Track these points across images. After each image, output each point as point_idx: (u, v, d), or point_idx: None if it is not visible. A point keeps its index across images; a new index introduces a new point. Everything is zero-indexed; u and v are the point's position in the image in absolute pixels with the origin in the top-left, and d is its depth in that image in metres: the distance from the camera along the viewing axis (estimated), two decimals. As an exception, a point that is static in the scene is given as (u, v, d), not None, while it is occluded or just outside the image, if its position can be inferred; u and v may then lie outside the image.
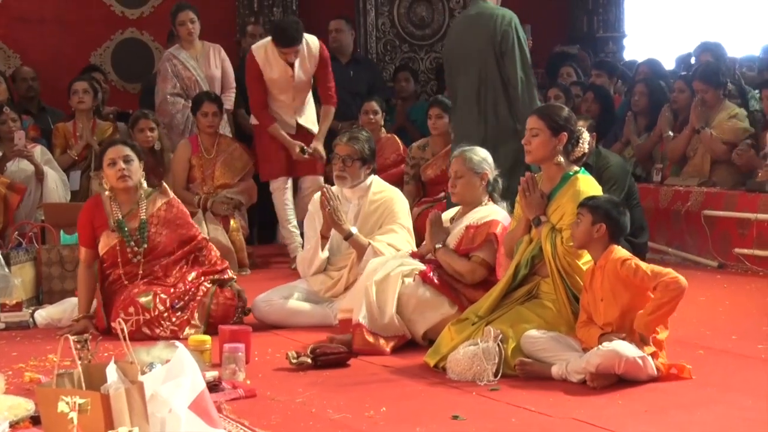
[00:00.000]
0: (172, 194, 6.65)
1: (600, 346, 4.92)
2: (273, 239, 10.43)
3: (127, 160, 6.39)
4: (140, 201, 6.49)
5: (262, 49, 8.60)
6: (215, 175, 8.70)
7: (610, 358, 4.87)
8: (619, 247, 5.19)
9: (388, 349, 5.76)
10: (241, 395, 4.87)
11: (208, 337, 5.57)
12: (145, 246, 6.44)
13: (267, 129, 8.75)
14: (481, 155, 6.17)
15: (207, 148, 8.75)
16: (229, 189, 8.73)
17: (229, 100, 9.63)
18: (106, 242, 6.44)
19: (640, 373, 4.94)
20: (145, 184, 6.52)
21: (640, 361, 4.91)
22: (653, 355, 4.98)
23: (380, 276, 5.91)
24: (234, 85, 9.73)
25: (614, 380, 4.91)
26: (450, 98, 8.44)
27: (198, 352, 5.23)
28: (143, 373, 3.82)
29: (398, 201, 6.74)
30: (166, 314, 6.30)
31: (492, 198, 6.15)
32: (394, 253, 6.34)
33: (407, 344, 5.88)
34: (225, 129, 9.28)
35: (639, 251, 7.67)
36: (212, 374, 4.95)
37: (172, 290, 6.38)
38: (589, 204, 5.20)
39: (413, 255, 6.22)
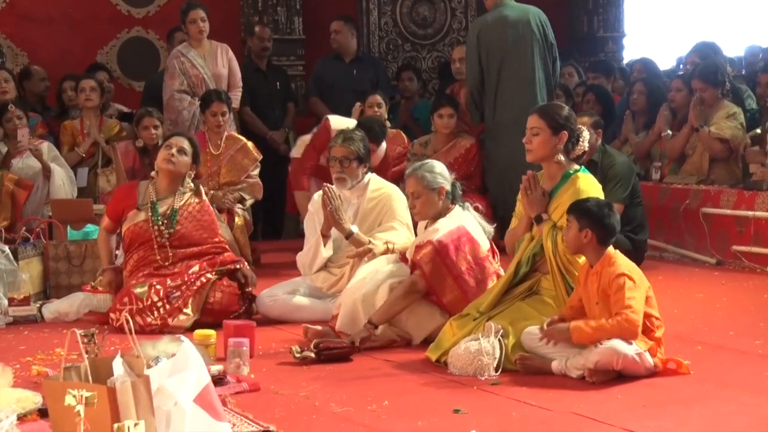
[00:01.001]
0: (205, 198, 6.84)
1: (599, 343, 4.90)
2: (277, 235, 10.44)
3: (180, 151, 6.67)
4: (176, 193, 6.68)
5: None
6: (221, 172, 8.70)
7: (608, 356, 4.87)
8: (622, 256, 5.11)
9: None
10: (245, 389, 4.87)
11: (212, 332, 5.57)
12: (172, 230, 6.59)
13: (293, 191, 8.78)
14: (436, 170, 6.04)
15: (214, 144, 8.75)
16: (234, 186, 8.73)
17: (235, 99, 9.63)
18: (132, 220, 6.62)
19: (638, 369, 4.93)
20: (186, 184, 6.72)
21: (637, 358, 4.90)
22: (651, 351, 4.97)
23: (369, 289, 5.89)
24: (240, 84, 9.73)
25: (613, 375, 4.91)
26: (483, 88, 8.94)
27: (203, 346, 5.22)
28: (149, 366, 3.82)
29: (396, 198, 6.74)
30: (159, 303, 6.37)
31: (454, 202, 6.05)
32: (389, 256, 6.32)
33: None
34: (231, 126, 9.28)
35: (639, 248, 7.69)
36: (217, 368, 4.95)
37: (169, 281, 6.44)
38: (575, 210, 5.15)
39: (402, 260, 6.17)
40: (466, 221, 5.93)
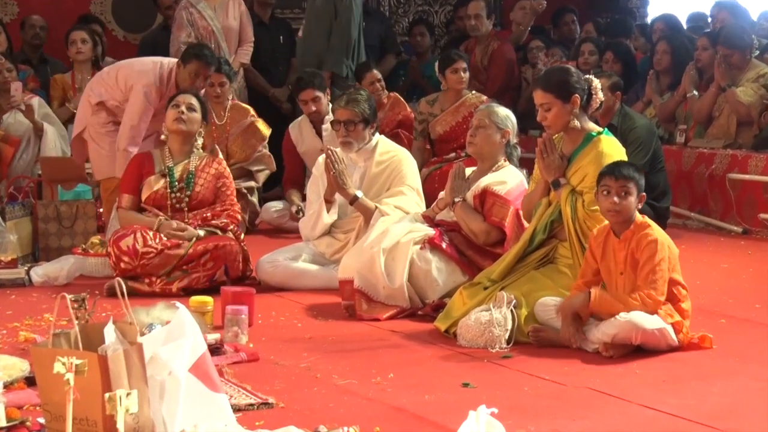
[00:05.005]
0: (221, 156, 6.81)
1: (617, 316, 4.89)
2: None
3: (190, 108, 6.59)
4: (191, 155, 6.64)
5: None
6: (230, 150, 8.68)
7: (627, 330, 4.86)
8: (654, 223, 5.11)
9: (383, 317, 5.77)
10: (243, 359, 4.88)
11: (210, 299, 5.58)
12: (190, 193, 6.58)
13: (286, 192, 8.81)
14: (507, 113, 6.19)
15: (218, 115, 8.74)
16: (245, 162, 8.74)
17: (245, 54, 9.62)
18: (150, 186, 6.59)
19: (659, 344, 4.92)
20: (200, 144, 6.68)
21: (658, 333, 4.89)
22: (677, 326, 4.95)
23: (389, 243, 5.90)
24: (252, 39, 9.70)
25: (631, 349, 4.90)
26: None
27: (199, 313, 5.24)
28: (142, 334, 3.82)
29: (406, 161, 6.72)
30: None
31: (510, 161, 6.14)
32: (402, 215, 6.33)
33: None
34: (239, 92, 9.30)
35: (661, 216, 7.67)
36: (214, 337, 4.97)
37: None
38: (635, 177, 5.07)
39: (423, 217, 6.21)
40: (523, 179, 6.06)
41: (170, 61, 7.69)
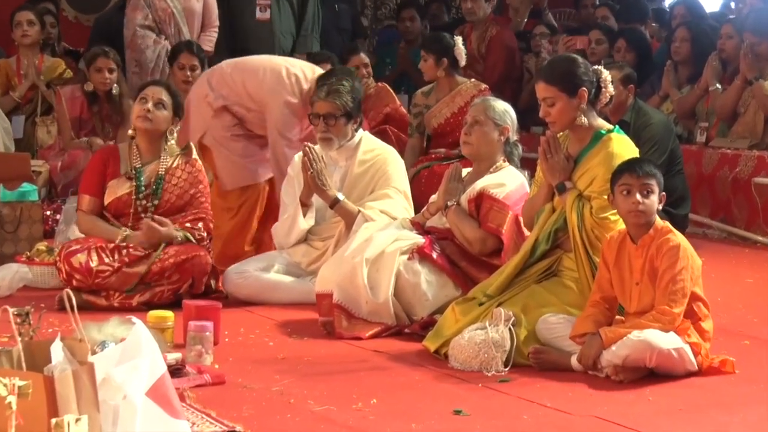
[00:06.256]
0: (196, 156, 6.75)
1: (629, 335, 4.90)
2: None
3: (158, 104, 6.54)
4: (162, 153, 6.61)
5: None
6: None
7: (640, 351, 4.87)
8: (679, 233, 5.13)
9: (365, 335, 5.78)
10: (207, 381, 4.88)
11: (170, 313, 5.57)
12: (157, 202, 6.55)
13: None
14: (505, 107, 6.22)
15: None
16: None
17: (209, 41, 9.62)
18: (114, 190, 6.56)
19: (675, 367, 4.94)
20: (173, 142, 6.64)
21: (675, 354, 4.91)
22: (695, 348, 4.97)
23: (373, 253, 5.91)
24: (217, 23, 9.70)
25: (644, 373, 4.92)
26: None
27: (158, 330, 5.24)
28: (94, 352, 3.82)
29: (392, 161, 6.73)
30: (124, 251, 6.41)
31: (510, 161, 6.15)
32: (388, 221, 6.34)
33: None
34: None
35: (679, 224, 7.68)
36: (175, 356, 4.97)
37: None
38: (656, 174, 5.11)
39: (412, 223, 6.23)
40: (524, 181, 6.08)
41: (302, 73, 7.44)
